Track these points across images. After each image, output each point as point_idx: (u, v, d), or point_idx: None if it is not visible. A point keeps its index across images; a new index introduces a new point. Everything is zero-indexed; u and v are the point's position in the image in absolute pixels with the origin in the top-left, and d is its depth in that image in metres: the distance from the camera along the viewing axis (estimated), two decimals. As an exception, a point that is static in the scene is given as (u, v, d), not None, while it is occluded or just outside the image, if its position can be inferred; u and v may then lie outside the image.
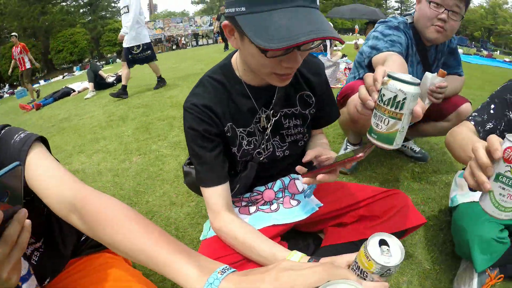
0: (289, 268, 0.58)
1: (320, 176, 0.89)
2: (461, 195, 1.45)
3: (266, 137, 1.08)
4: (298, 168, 0.98)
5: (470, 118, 1.21)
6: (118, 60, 24.96)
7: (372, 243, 0.69)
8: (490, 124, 1.18)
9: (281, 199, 1.19)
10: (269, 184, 1.21)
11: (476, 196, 1.35)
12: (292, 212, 1.14)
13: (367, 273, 0.68)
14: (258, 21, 0.74)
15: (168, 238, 0.66)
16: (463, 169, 1.62)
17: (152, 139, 2.64)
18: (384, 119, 0.70)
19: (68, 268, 0.96)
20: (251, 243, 0.91)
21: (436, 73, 1.57)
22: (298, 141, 1.17)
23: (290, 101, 1.10)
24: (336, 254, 0.91)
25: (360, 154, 0.81)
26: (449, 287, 1.39)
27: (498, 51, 33.78)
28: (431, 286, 1.38)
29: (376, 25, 1.72)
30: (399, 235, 1.18)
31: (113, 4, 36.83)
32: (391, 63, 1.27)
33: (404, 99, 0.67)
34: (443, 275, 1.43)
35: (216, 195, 1.00)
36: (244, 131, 1.05)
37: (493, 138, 0.66)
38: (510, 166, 0.64)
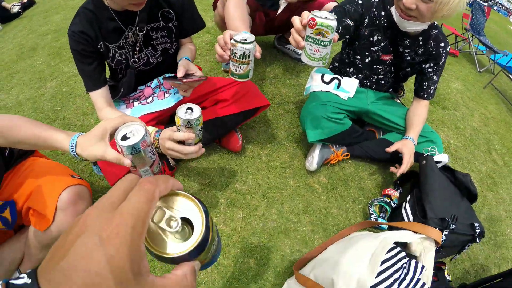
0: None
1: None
2: (314, 85, 1.83)
3: (138, 48, 1.42)
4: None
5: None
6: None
7: (181, 108, 1.08)
8: None
9: (157, 94, 1.55)
10: (148, 83, 1.57)
11: (326, 87, 1.78)
12: (164, 102, 1.53)
13: (179, 127, 1.10)
14: None
15: (46, 125, 1.01)
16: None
17: (63, 62, 2.78)
18: (240, 66, 1.19)
19: (3, 182, 1.22)
20: None
21: None
22: (168, 49, 1.53)
23: (154, 17, 1.42)
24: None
25: (205, 77, 1.31)
26: (302, 160, 1.88)
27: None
28: (287, 159, 1.86)
29: None
30: (250, 114, 1.64)
31: None
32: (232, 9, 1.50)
33: (249, 52, 1.15)
34: (298, 150, 1.92)
35: (98, 96, 1.37)
36: (115, 46, 1.37)
37: (304, 13, 1.09)
38: (312, 30, 1.05)
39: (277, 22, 2.23)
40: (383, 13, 1.63)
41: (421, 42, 1.66)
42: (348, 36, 1.70)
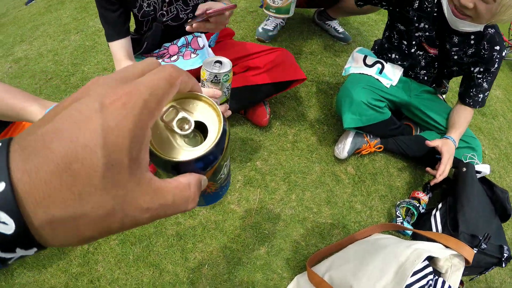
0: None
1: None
2: (354, 67, 1.69)
3: (167, 0, 1.30)
4: (189, 21, 1.20)
5: None
6: None
7: (208, 61, 0.94)
8: None
9: (183, 53, 1.43)
10: (175, 41, 1.44)
11: (367, 70, 1.62)
12: (189, 62, 1.41)
13: (203, 82, 0.95)
14: None
15: (25, 94, 0.89)
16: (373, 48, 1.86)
17: (89, 16, 2.74)
18: None
19: None
20: None
21: None
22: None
23: None
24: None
25: (234, 4, 1.07)
26: (331, 145, 1.74)
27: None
28: (315, 142, 1.73)
29: None
30: (283, 86, 1.49)
31: None
32: None
33: None
34: (328, 134, 1.78)
35: (118, 46, 1.26)
36: None
37: None
38: None
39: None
40: (435, 1, 1.44)
41: (472, 42, 1.45)
42: (384, 4, 1.52)
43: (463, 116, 1.60)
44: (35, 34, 2.71)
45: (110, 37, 1.26)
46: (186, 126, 0.29)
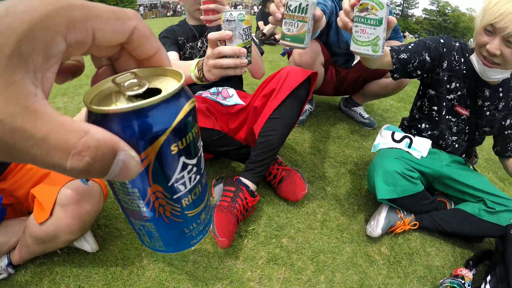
0: None
1: None
2: (383, 143, 1.72)
3: (201, 53, 1.79)
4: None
5: (390, 46, 1.52)
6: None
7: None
8: (405, 55, 1.50)
9: (214, 98, 1.72)
10: (208, 89, 1.75)
11: (396, 145, 1.66)
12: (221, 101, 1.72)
13: (221, 26, 1.03)
14: None
15: None
16: (400, 126, 1.91)
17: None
18: (294, 23, 0.98)
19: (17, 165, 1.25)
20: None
21: None
22: None
23: None
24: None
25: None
26: (363, 224, 1.69)
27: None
28: (345, 221, 1.69)
29: None
30: (302, 95, 1.52)
31: None
32: None
33: (307, 5, 0.95)
34: (359, 214, 1.74)
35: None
36: (188, 46, 1.79)
37: None
38: (357, 7, 0.93)
39: (347, 82, 2.21)
40: (462, 59, 1.54)
41: (501, 94, 1.53)
42: (419, 72, 1.58)
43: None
44: (78, 91, 3.01)
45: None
46: (136, 88, 0.25)
